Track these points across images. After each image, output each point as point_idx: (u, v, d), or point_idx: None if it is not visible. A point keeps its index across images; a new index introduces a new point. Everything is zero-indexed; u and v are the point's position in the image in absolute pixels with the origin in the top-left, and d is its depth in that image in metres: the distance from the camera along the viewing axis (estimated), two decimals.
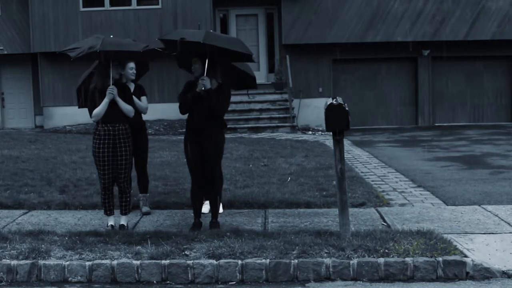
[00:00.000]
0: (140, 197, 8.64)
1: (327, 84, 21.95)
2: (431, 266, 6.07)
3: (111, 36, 7.74)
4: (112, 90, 7.35)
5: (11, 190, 9.68)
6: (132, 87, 8.24)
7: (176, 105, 7.77)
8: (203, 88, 7.30)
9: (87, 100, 7.59)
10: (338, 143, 6.74)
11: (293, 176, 10.90)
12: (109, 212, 7.61)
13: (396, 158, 13.83)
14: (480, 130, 19.84)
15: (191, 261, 6.15)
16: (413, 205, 8.91)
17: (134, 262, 6.17)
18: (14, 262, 6.21)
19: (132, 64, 8.25)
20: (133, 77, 8.33)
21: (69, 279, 6.15)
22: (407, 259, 6.11)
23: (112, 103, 7.38)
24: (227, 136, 8.91)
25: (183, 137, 7.85)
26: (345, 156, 7.66)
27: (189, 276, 6.12)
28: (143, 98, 8.46)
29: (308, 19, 21.27)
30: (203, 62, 7.38)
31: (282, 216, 8.22)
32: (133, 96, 7.95)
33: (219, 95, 7.40)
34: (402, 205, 8.94)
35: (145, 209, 8.49)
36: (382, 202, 8.98)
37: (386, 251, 6.28)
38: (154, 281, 6.13)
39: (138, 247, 6.52)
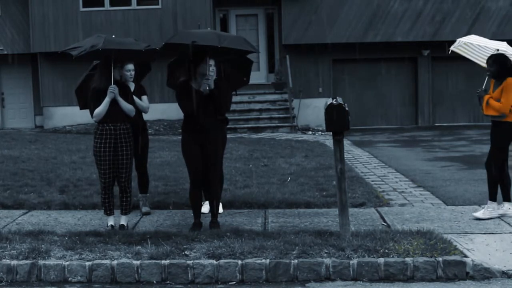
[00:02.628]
0: (140, 197, 8.64)
1: (327, 84, 21.95)
2: (431, 266, 6.07)
3: (113, 36, 7.72)
4: (113, 90, 7.35)
5: (11, 190, 9.68)
6: (132, 86, 8.22)
7: (176, 105, 7.69)
8: (207, 88, 7.29)
9: (88, 101, 7.59)
10: (338, 143, 6.74)
11: (293, 176, 10.90)
12: (109, 212, 7.61)
13: (396, 158, 13.83)
14: (480, 130, 19.81)
15: (191, 261, 6.15)
16: (413, 205, 8.91)
17: (134, 262, 6.17)
18: (14, 262, 6.21)
19: (130, 66, 8.16)
20: (131, 80, 8.26)
21: (69, 279, 6.15)
22: (407, 259, 6.11)
23: (113, 103, 7.38)
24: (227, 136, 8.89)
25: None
26: (345, 156, 7.66)
27: (189, 276, 6.12)
28: (144, 97, 8.45)
29: (308, 19, 21.26)
30: (206, 61, 7.34)
31: (282, 216, 8.22)
32: (134, 96, 7.94)
33: (223, 92, 7.39)
34: (402, 205, 8.94)
35: (145, 209, 8.49)
36: (382, 202, 8.98)
37: (386, 251, 6.28)
38: (154, 281, 6.12)
39: (138, 247, 6.51)
